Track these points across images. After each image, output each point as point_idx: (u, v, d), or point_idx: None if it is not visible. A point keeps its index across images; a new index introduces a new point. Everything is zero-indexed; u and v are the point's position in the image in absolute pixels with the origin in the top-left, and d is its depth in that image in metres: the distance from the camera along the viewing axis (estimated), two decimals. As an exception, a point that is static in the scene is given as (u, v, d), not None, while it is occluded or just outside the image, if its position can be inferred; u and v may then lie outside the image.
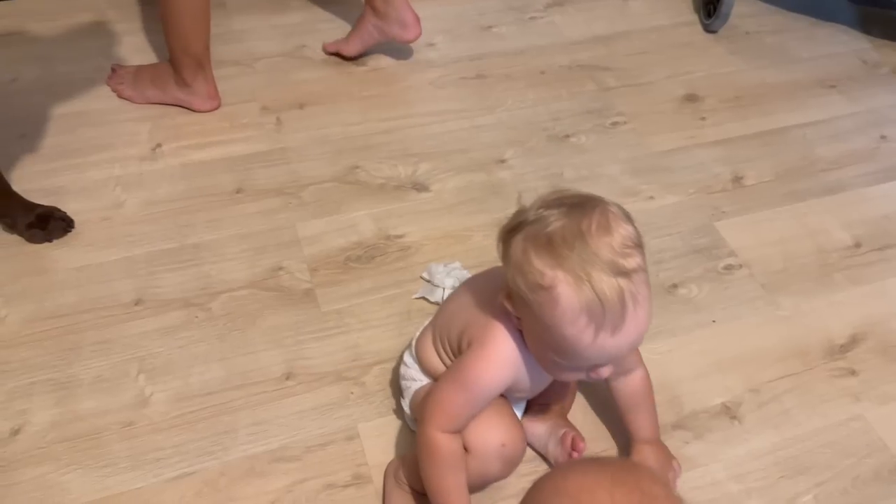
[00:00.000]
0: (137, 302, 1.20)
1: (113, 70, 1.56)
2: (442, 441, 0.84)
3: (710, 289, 1.26)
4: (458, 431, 0.85)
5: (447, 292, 1.22)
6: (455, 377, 0.85)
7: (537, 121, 1.58)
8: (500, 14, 1.87)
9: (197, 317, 1.18)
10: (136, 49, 1.66)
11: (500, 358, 0.84)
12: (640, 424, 0.98)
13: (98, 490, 0.97)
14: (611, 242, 0.72)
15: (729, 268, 1.30)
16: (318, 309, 1.20)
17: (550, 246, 0.72)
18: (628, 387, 0.96)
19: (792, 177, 1.49)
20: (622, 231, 0.73)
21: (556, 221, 0.73)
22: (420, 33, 1.60)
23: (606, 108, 1.62)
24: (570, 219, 0.73)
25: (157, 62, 1.58)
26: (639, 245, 0.74)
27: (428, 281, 1.24)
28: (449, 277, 1.22)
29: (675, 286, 1.26)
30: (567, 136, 1.55)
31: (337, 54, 1.67)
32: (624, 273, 0.71)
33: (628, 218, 0.76)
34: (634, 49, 1.77)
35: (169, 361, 1.12)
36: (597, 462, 0.57)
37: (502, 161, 1.48)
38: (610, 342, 0.73)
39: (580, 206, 0.75)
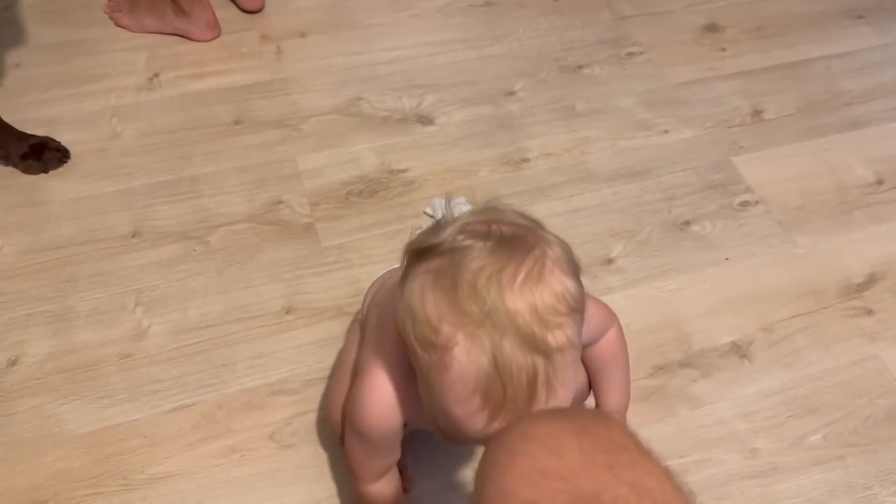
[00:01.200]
0: (134, 234, 1.17)
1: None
2: (372, 492, 0.77)
3: (724, 226, 1.22)
4: (384, 476, 0.77)
5: (451, 228, 1.18)
6: (350, 426, 0.74)
7: (549, 51, 1.52)
8: (513, -61, 1.79)
9: (195, 250, 1.16)
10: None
11: (380, 402, 0.69)
12: (606, 393, 0.84)
13: (95, 421, 0.96)
14: (536, 303, 0.52)
15: (745, 204, 1.25)
16: (319, 244, 1.17)
17: (455, 293, 0.53)
18: (596, 349, 0.81)
19: (814, 111, 1.42)
20: (557, 287, 0.54)
21: (473, 260, 0.54)
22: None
23: (622, 38, 1.55)
24: (493, 259, 0.53)
25: None
26: (576, 310, 0.55)
27: (431, 216, 1.21)
28: (452, 213, 1.19)
29: (687, 223, 1.22)
30: (580, 67, 1.48)
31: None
32: (543, 351, 0.52)
33: (574, 269, 0.56)
34: (653, -23, 1.69)
35: (166, 294, 1.10)
36: (566, 411, 0.53)
37: (511, 93, 1.42)
38: None
39: (513, 242, 0.55)
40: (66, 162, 1.26)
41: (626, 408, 0.85)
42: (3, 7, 1.52)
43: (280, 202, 1.23)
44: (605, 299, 0.84)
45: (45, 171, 1.25)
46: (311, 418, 0.97)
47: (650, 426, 0.96)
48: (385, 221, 1.20)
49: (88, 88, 1.38)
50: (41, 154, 1.24)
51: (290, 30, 1.52)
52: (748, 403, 1.00)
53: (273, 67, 1.45)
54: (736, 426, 0.98)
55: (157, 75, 1.41)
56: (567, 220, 1.20)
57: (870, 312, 1.11)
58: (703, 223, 1.22)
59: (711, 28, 1.59)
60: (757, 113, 1.41)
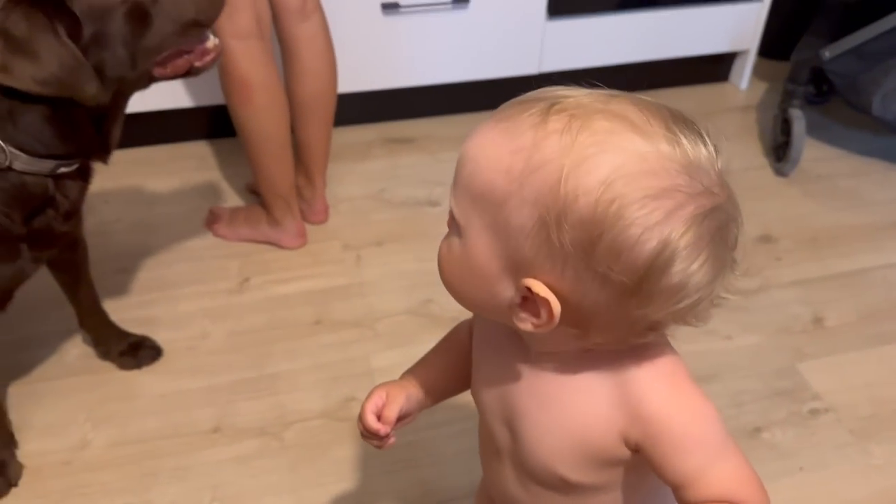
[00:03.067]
0: (215, 430, 1.23)
1: (210, 211, 1.69)
2: None
3: (795, 434, 1.20)
4: None
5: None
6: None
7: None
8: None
9: (270, 446, 1.20)
10: (232, 192, 1.80)
11: None
12: None
13: None
14: None
15: (814, 412, 1.24)
16: (385, 447, 1.20)
17: None
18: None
19: (876, 319, 1.44)
20: None
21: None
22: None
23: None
24: None
25: (251, 204, 1.71)
26: None
27: (499, 417, 1.23)
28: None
29: (758, 430, 1.21)
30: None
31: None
32: None
33: None
34: (705, 191, 1.80)
35: (241, 491, 1.13)
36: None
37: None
38: None
39: None
40: (158, 359, 1.35)
41: None
42: (113, 219, 1.71)
43: (353, 399, 1.28)
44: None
45: (138, 367, 1.34)
46: None
47: None
48: (452, 420, 1.23)
49: (185, 291, 1.51)
50: (137, 351, 1.34)
51: (368, 239, 1.66)
52: None
53: (352, 272, 1.57)
54: None
55: (247, 279, 1.54)
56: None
57: (962, 531, 1.05)
58: (773, 430, 1.21)
59: (766, 238, 1.67)
60: (818, 320, 1.44)
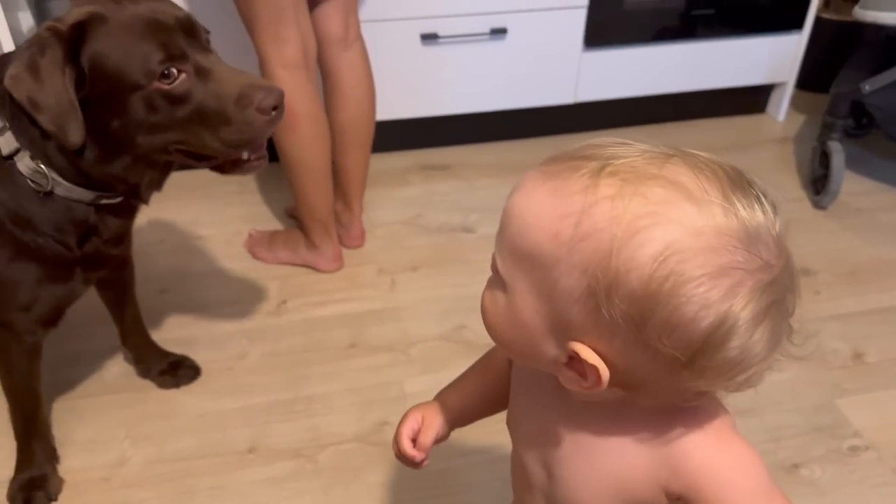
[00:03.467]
0: (251, 450, 1.24)
1: (249, 235, 1.73)
2: None
3: (835, 471, 1.18)
4: None
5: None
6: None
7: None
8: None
9: (304, 468, 1.21)
10: (272, 216, 1.84)
11: None
12: None
13: None
14: None
15: (854, 449, 1.22)
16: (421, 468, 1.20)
17: None
18: None
19: (919, 355, 1.42)
20: None
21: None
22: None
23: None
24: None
25: (289, 228, 1.74)
26: None
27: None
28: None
29: (796, 466, 1.19)
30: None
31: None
32: None
33: None
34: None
35: (275, 512, 1.14)
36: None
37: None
38: None
39: None
40: (196, 378, 1.38)
41: None
42: (156, 241, 1.75)
43: (386, 423, 1.29)
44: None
45: (177, 386, 1.36)
46: None
47: None
48: (486, 449, 1.23)
49: (224, 312, 1.54)
50: (177, 371, 1.37)
51: (403, 264, 1.67)
52: None
53: (387, 297, 1.58)
54: None
55: (284, 302, 1.57)
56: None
57: None
58: (812, 467, 1.19)
59: (804, 272, 1.65)
60: (858, 356, 1.42)
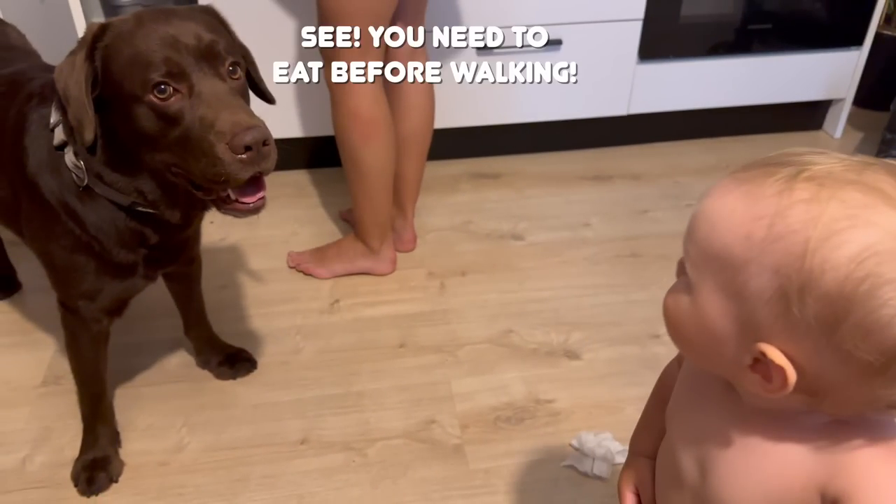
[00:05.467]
0: (303, 441, 1.29)
1: (290, 257, 1.71)
2: None
3: None
4: None
5: (596, 464, 1.21)
6: None
7: (692, 301, 1.60)
8: (657, 200, 1.96)
9: (354, 461, 1.25)
10: (327, 218, 1.89)
11: None
12: None
13: None
14: None
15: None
16: (467, 466, 1.23)
17: None
18: None
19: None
20: None
21: None
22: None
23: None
24: None
25: (335, 241, 1.73)
26: None
27: (577, 449, 1.25)
28: (599, 448, 1.22)
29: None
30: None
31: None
32: None
33: None
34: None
35: (325, 501, 1.18)
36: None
37: (657, 336, 1.49)
38: None
39: None
40: (253, 371, 1.43)
41: None
42: (218, 238, 1.82)
43: (433, 422, 1.31)
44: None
45: (234, 378, 1.42)
46: None
47: None
48: (531, 449, 1.25)
49: (280, 309, 1.59)
50: (234, 363, 1.42)
51: (452, 269, 1.71)
52: None
53: (436, 300, 1.62)
54: None
55: (337, 301, 1.61)
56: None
57: None
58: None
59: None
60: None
